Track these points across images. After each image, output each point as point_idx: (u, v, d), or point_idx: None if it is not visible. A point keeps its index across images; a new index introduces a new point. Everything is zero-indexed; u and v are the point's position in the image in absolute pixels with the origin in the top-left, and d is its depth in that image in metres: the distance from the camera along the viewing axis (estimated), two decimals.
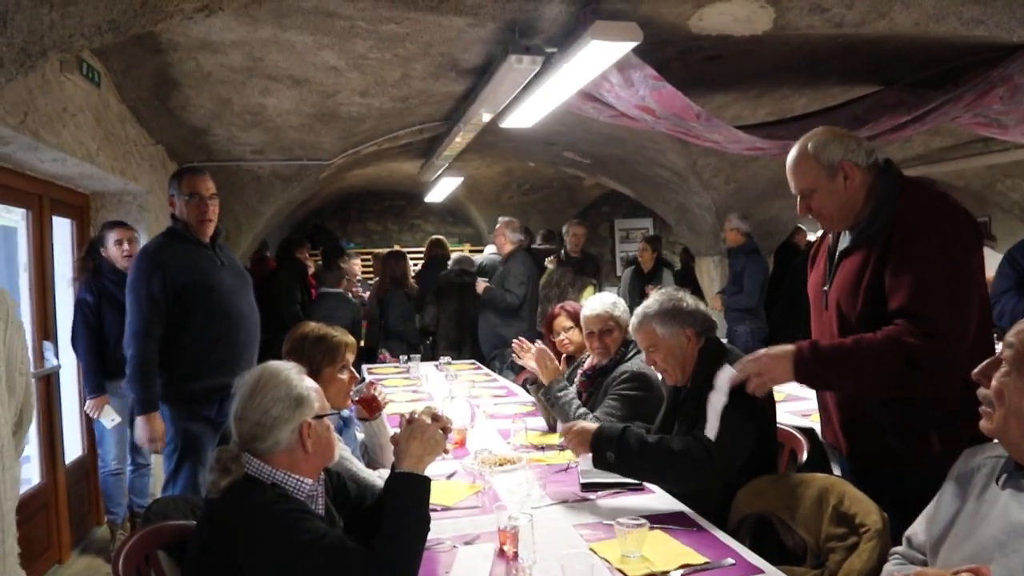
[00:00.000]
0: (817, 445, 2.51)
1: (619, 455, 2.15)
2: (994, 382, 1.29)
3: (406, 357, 5.15)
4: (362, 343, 6.08)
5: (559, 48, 3.29)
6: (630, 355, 2.99)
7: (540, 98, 3.84)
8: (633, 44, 3.02)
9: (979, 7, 3.01)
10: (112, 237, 3.85)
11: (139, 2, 2.06)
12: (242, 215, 5.57)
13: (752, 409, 2.14)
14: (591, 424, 2.29)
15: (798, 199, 2.13)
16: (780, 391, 3.31)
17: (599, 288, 6.19)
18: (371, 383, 2.83)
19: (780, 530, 1.95)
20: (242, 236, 5.60)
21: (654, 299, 2.45)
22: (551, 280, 6.25)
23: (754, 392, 2.02)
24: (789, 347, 1.97)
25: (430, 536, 1.86)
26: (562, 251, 6.50)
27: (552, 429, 3.09)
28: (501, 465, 2.51)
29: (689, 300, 2.43)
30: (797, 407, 3.32)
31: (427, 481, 1.68)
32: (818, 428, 2.46)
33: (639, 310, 2.46)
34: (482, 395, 3.96)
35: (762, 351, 2.04)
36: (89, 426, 4.08)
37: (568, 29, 3.24)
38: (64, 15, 1.76)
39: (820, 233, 2.33)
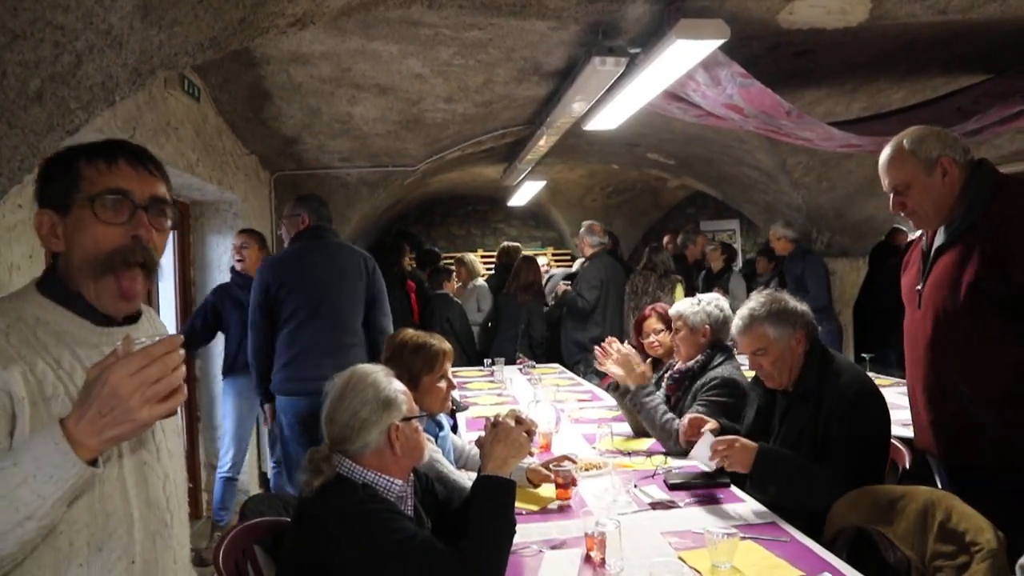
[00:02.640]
0: (920, 456, 2.38)
1: (782, 483, 2.15)
2: None
3: (490, 360, 5.18)
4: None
5: (643, 48, 3.25)
6: (719, 361, 2.92)
7: (624, 99, 3.80)
8: (720, 41, 2.95)
9: None
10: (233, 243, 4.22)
11: (237, 19, 2.15)
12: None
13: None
14: (751, 443, 2.21)
15: (891, 196, 2.11)
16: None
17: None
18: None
19: (881, 545, 1.86)
20: None
21: (759, 301, 2.37)
22: (634, 288, 6.17)
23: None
24: (753, 446, 2.15)
25: (517, 540, 1.86)
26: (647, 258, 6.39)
27: (638, 434, 3.05)
28: (587, 470, 2.49)
29: (792, 300, 2.37)
30: (896, 416, 3.14)
31: (512, 484, 1.68)
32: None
33: (744, 312, 2.38)
34: (567, 399, 3.94)
35: (735, 441, 2.17)
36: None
37: (652, 29, 3.19)
38: (171, 35, 1.85)
39: (919, 233, 2.24)
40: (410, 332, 2.45)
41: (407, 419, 1.69)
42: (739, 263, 8.22)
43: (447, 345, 2.43)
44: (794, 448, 2.23)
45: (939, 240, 2.07)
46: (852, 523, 1.92)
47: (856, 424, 2.16)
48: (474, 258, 6.87)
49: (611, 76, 3.45)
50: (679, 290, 5.87)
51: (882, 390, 2.33)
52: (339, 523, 1.52)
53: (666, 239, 6.38)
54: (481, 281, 6.60)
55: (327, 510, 1.55)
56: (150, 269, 1.15)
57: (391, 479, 1.66)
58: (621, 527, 1.78)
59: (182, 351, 0.98)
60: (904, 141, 2.07)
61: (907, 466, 2.34)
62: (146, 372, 0.93)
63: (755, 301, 2.38)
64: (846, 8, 3.14)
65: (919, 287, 2.10)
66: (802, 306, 2.37)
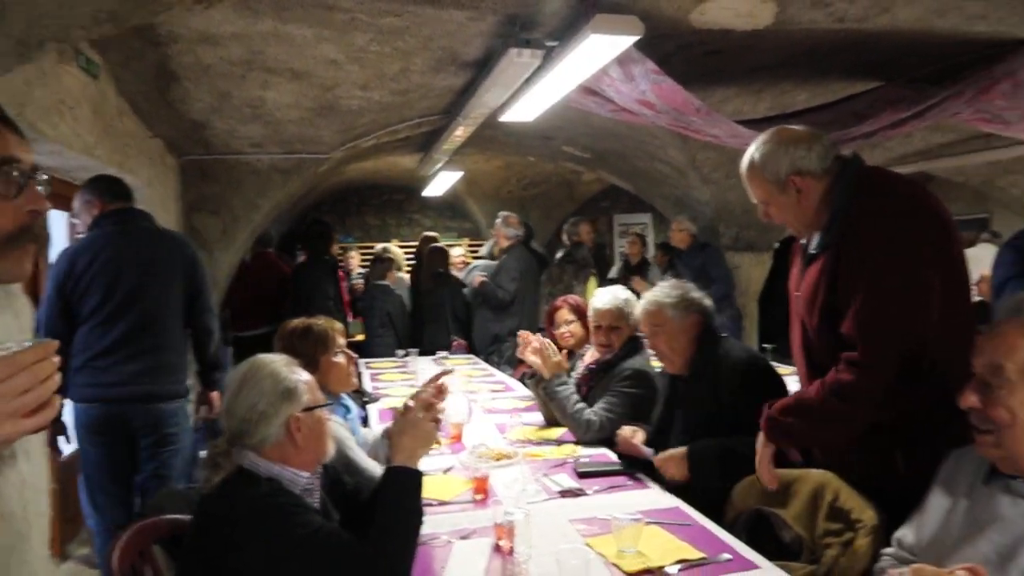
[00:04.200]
0: None
1: (716, 471, 2.19)
2: (981, 401, 1.29)
3: (404, 352, 5.14)
4: (361, 337, 6.06)
5: (560, 42, 3.28)
6: (631, 352, 2.99)
7: (541, 92, 3.82)
8: (634, 38, 3.01)
9: (982, 3, 2.99)
10: None
11: None
12: (240, 209, 5.55)
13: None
14: (677, 450, 2.30)
15: (759, 206, 2.01)
16: None
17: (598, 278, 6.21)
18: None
19: (776, 525, 1.95)
20: (239, 230, 5.58)
21: (665, 287, 2.60)
22: (551, 277, 6.25)
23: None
24: (681, 450, 2.16)
25: (426, 530, 1.86)
26: (563, 249, 6.50)
27: (550, 423, 3.09)
28: (498, 460, 2.51)
29: (696, 291, 2.58)
30: None
31: (419, 475, 1.67)
32: None
33: (650, 295, 2.59)
34: (479, 390, 3.96)
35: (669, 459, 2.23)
36: None
37: (569, 22, 3.23)
38: (61, 4, 1.75)
39: None
40: (294, 320, 2.45)
41: (308, 409, 1.65)
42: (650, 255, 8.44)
43: (335, 323, 2.47)
44: (697, 428, 2.34)
45: (813, 246, 1.94)
46: (750, 506, 2.01)
47: (752, 392, 2.24)
48: (398, 250, 6.82)
49: (528, 68, 3.46)
50: (592, 283, 5.98)
51: (783, 378, 2.46)
52: (241, 518, 1.48)
53: (584, 229, 6.47)
54: (400, 274, 6.55)
55: (228, 505, 1.51)
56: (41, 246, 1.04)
57: (296, 472, 1.61)
58: (530, 516, 1.80)
59: (56, 358, 0.87)
60: (755, 156, 1.93)
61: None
62: (12, 383, 0.82)
63: (663, 287, 2.60)
64: (753, 11, 3.25)
65: (797, 293, 1.99)
66: (699, 295, 2.57)
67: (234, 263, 5.41)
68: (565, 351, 3.38)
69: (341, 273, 6.29)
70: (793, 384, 2.26)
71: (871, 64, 4.22)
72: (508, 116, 4.45)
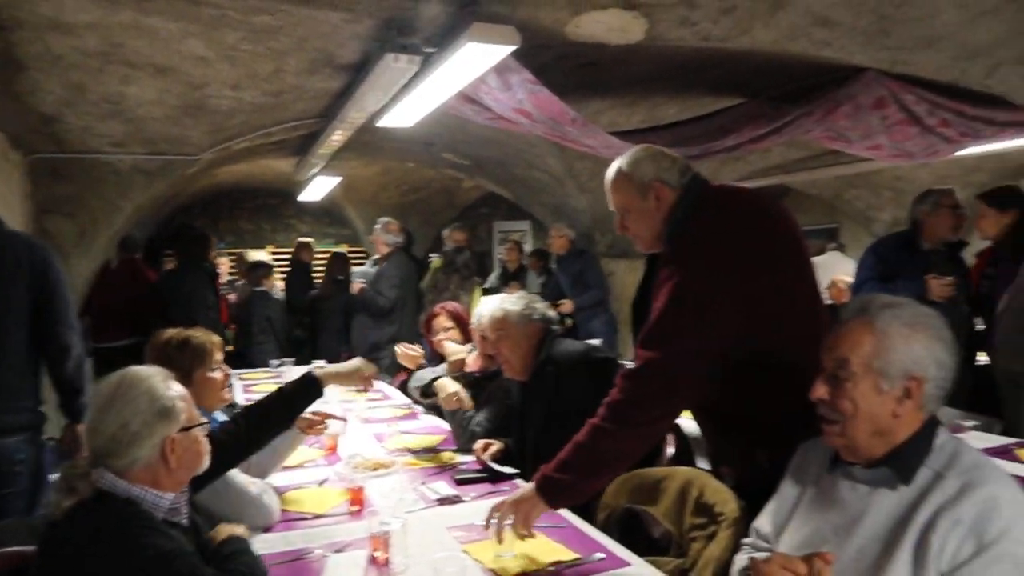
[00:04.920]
0: (683, 438, 2.62)
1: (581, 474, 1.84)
2: (829, 393, 1.39)
3: (278, 362, 4.97)
4: (230, 347, 5.82)
5: (438, 48, 3.27)
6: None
7: (418, 98, 3.81)
8: (511, 48, 3.05)
9: (827, 31, 3.24)
10: None
11: None
12: (99, 211, 5.19)
13: None
14: (522, 492, 1.86)
15: (616, 217, 2.03)
16: None
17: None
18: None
19: (646, 522, 2.02)
20: (99, 234, 5.22)
21: (512, 296, 2.73)
22: (436, 285, 6.23)
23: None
24: (529, 485, 1.83)
25: (299, 545, 1.82)
26: (442, 253, 6.50)
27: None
28: (374, 470, 2.46)
29: (540, 302, 2.74)
30: None
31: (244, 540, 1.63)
32: (683, 423, 2.57)
33: (496, 302, 2.68)
34: (356, 399, 3.88)
35: (504, 501, 1.83)
36: None
37: (447, 30, 3.23)
38: None
39: None
40: (170, 331, 2.30)
41: (186, 429, 1.53)
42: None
43: (214, 336, 2.33)
44: (546, 429, 2.41)
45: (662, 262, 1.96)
46: (622, 504, 2.07)
47: (593, 382, 2.35)
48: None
49: (405, 74, 3.44)
50: (477, 291, 6.01)
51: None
52: (92, 545, 1.35)
53: (459, 236, 6.50)
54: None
55: (77, 531, 1.38)
56: None
57: (160, 494, 1.48)
58: (407, 525, 1.78)
59: None
60: (623, 163, 1.98)
61: (672, 451, 2.56)
62: None
63: (509, 297, 2.72)
64: (625, 27, 3.37)
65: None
66: (543, 305, 2.72)
67: (93, 269, 5.06)
68: (458, 359, 3.36)
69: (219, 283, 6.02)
70: None
71: (735, 82, 4.47)
72: (386, 121, 4.40)
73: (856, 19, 3.11)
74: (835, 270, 6.00)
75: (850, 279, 4.95)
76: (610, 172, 2.01)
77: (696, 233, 1.83)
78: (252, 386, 4.39)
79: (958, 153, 5.05)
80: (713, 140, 4.28)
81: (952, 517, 1.23)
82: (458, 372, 3.14)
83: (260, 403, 2.15)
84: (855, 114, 4.14)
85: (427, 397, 3.06)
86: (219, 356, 2.30)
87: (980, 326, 3.85)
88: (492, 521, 1.77)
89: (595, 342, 4.34)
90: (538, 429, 2.53)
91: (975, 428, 2.84)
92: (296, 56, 3.73)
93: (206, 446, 1.61)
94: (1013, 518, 1.20)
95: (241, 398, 3.93)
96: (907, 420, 1.35)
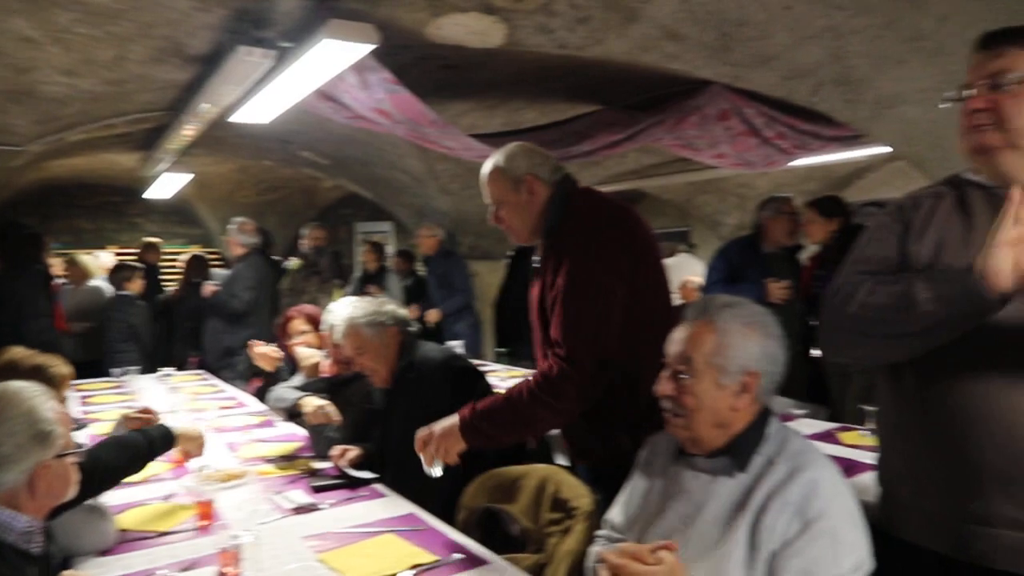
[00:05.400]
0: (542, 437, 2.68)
1: (501, 426, 1.96)
2: (674, 389, 1.47)
3: (120, 370, 4.64)
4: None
5: (294, 44, 3.17)
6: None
7: (274, 94, 3.68)
8: (370, 46, 3.01)
9: (676, 45, 3.41)
10: None
11: None
12: None
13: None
14: (447, 420, 2.01)
15: (490, 210, 2.15)
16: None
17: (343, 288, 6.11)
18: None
19: (505, 521, 2.05)
20: None
21: (355, 306, 2.60)
22: (294, 289, 6.02)
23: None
24: (454, 418, 1.96)
25: (143, 566, 1.72)
26: (301, 255, 6.30)
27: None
28: (226, 481, 2.35)
29: (388, 305, 2.64)
30: None
31: None
32: None
33: (342, 317, 2.57)
34: (208, 408, 3.69)
35: (432, 429, 1.98)
36: None
37: (303, 24, 3.14)
38: None
39: None
40: (19, 351, 2.10)
41: (61, 456, 1.39)
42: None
43: (65, 368, 2.14)
44: (408, 435, 2.42)
45: (536, 255, 2.12)
46: (481, 504, 2.09)
47: (454, 390, 2.37)
48: (88, 258, 6.14)
49: (259, 68, 3.31)
50: (337, 294, 5.87)
51: (515, 380, 2.59)
52: None
53: (318, 235, 6.32)
54: (97, 282, 5.88)
55: None
56: None
57: (15, 514, 1.35)
58: (260, 537, 1.71)
59: None
60: (498, 158, 2.10)
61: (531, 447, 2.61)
62: None
63: (353, 306, 2.60)
64: (485, 31, 3.40)
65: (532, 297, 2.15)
66: (392, 306, 2.63)
67: None
68: (311, 363, 3.26)
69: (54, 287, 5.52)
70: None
71: (591, 89, 4.62)
72: (241, 117, 4.22)
73: (702, 35, 3.30)
74: (686, 271, 6.35)
75: (700, 280, 5.25)
76: (486, 167, 2.12)
77: (581, 226, 1.97)
78: (89, 397, 4.07)
79: (792, 163, 5.49)
80: (571, 145, 4.42)
81: (782, 499, 1.33)
82: (313, 377, 3.05)
83: (123, 441, 2.00)
84: (702, 124, 4.40)
85: (295, 417, 2.95)
86: (66, 393, 2.12)
87: (814, 322, 4.19)
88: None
89: (456, 344, 4.34)
90: (401, 433, 2.50)
91: (805, 415, 3.08)
92: (141, 43, 3.50)
93: (76, 475, 1.49)
94: (831, 498, 1.32)
95: (78, 411, 3.64)
96: (744, 412, 1.45)
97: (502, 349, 5.05)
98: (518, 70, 4.21)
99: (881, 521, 1.49)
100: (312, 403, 2.72)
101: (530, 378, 1.94)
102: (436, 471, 1.98)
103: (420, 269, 6.65)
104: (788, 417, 2.95)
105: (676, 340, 1.50)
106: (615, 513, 1.65)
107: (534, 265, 2.12)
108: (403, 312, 2.65)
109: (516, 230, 2.12)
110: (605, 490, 1.88)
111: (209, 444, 2.93)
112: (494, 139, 4.55)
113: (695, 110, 4.19)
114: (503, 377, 4.28)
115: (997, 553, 1.28)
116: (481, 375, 2.58)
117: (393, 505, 2.19)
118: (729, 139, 4.58)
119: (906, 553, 1.42)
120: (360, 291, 6.11)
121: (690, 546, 1.39)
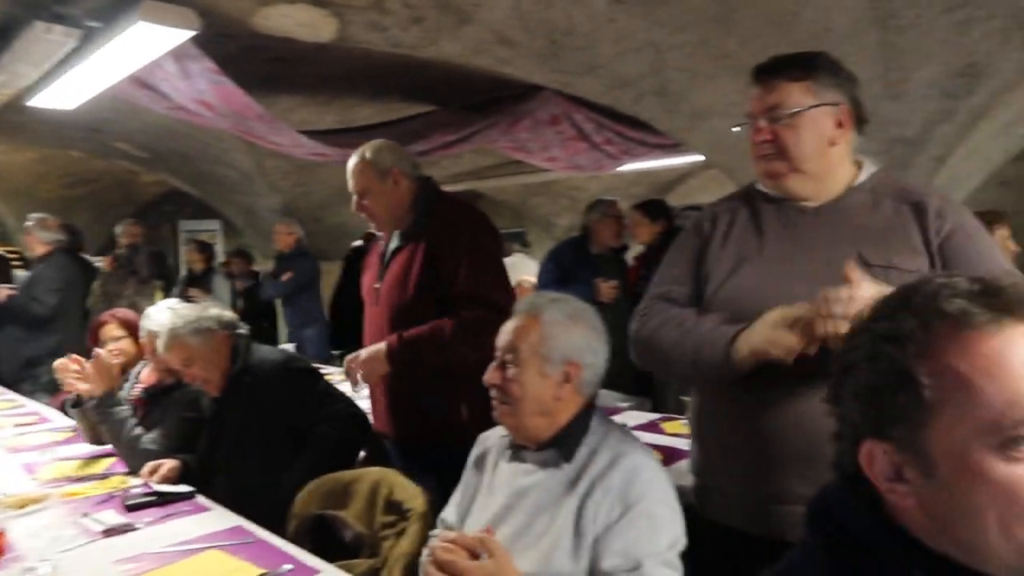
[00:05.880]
0: (376, 439, 2.64)
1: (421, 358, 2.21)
2: (501, 378, 1.51)
3: None
4: None
5: (103, 24, 2.92)
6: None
7: (81, 78, 3.37)
8: (189, 32, 2.84)
9: (508, 49, 3.49)
10: None
11: None
12: None
13: None
14: (376, 348, 2.26)
15: (355, 200, 2.36)
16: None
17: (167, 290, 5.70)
18: None
19: (338, 527, 2.01)
20: None
21: (176, 313, 2.47)
22: (107, 292, 5.53)
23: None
24: (382, 344, 2.22)
25: None
26: (115, 254, 5.81)
27: (98, 442, 2.75)
28: (22, 508, 2.12)
29: (212, 309, 2.51)
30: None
31: None
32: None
33: (163, 327, 2.43)
34: (3, 425, 3.32)
35: (361, 353, 2.27)
36: None
37: (115, 4, 2.90)
38: None
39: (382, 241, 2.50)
40: None
41: None
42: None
43: None
44: (242, 442, 2.33)
45: (394, 243, 2.37)
46: (313, 512, 2.03)
47: (293, 391, 2.38)
48: None
49: (60, 48, 3.02)
50: (158, 296, 5.47)
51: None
52: None
53: (134, 231, 5.86)
54: None
55: None
56: None
57: None
58: (63, 566, 1.56)
59: None
60: (365, 151, 2.35)
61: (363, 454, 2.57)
62: None
63: (172, 315, 2.48)
64: (315, 24, 3.31)
65: (377, 285, 2.37)
66: (215, 310, 2.52)
67: None
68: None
69: None
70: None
71: (426, 89, 4.62)
72: (41, 101, 3.83)
73: (532, 41, 3.39)
74: (521, 271, 6.49)
75: (534, 279, 5.39)
76: (353, 158, 2.36)
77: (462, 218, 2.30)
78: None
79: (620, 168, 5.78)
80: (406, 144, 4.38)
81: (604, 486, 1.40)
82: (110, 389, 2.81)
83: None
84: (535, 128, 4.53)
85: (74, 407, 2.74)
86: None
87: None
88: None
89: (289, 346, 4.19)
90: (232, 441, 2.38)
91: (630, 408, 3.26)
92: None
93: None
94: (649, 483, 1.40)
95: None
96: (567, 403, 1.50)
97: (335, 352, 4.93)
98: (351, 67, 4.13)
99: (694, 504, 1.61)
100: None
101: (453, 319, 2.15)
102: (362, 391, 2.29)
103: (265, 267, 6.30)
104: (615, 410, 3.10)
105: (505, 331, 1.56)
106: (449, 512, 1.66)
107: (391, 253, 2.35)
108: (230, 315, 2.51)
109: (380, 218, 2.35)
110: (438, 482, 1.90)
111: (3, 466, 2.65)
112: (327, 137, 4.43)
113: (528, 114, 4.31)
114: (339, 380, 4.09)
115: (792, 527, 1.42)
116: (320, 375, 2.53)
117: (218, 519, 2.07)
118: (560, 143, 4.75)
119: (715, 532, 1.54)
120: (183, 294, 5.73)
121: (519, 538, 1.43)
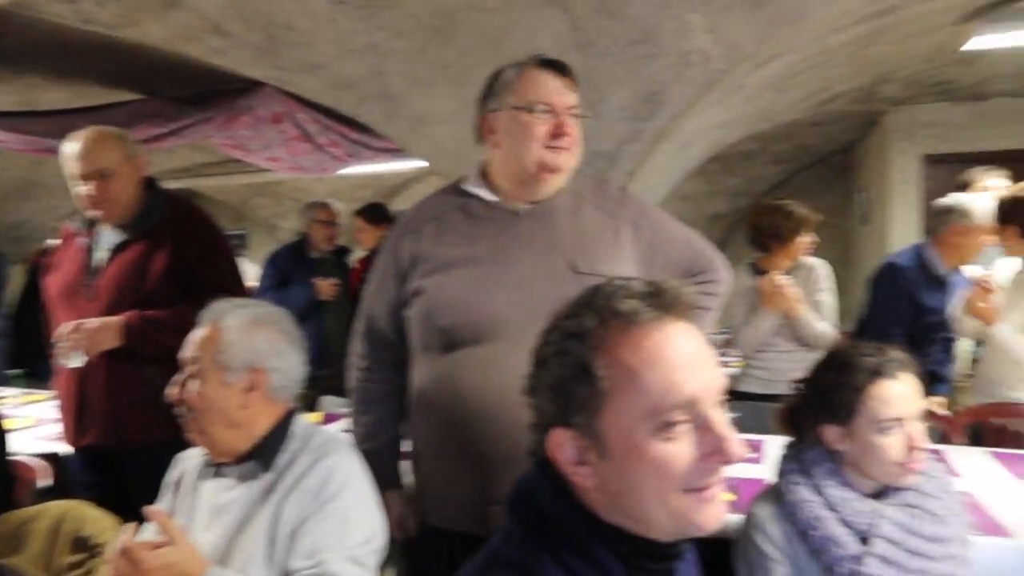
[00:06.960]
0: (64, 469, 2.34)
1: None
2: (188, 394, 1.42)
3: None
4: None
5: None
6: None
7: None
8: None
9: (221, 39, 3.28)
10: None
11: None
12: None
13: None
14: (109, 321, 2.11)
15: (87, 182, 2.14)
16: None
17: None
18: None
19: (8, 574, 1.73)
20: None
21: None
22: None
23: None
24: (116, 317, 2.10)
25: None
26: None
27: None
28: None
29: None
30: (48, 431, 2.89)
31: None
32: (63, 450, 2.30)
33: None
34: None
35: (88, 321, 2.09)
36: None
37: None
38: None
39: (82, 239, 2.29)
40: None
41: None
42: None
43: None
44: None
45: (117, 238, 2.21)
46: None
47: None
48: None
49: None
50: None
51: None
52: None
53: None
54: None
55: None
56: None
57: None
58: None
59: None
60: (108, 128, 2.23)
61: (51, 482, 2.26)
62: None
63: None
64: None
65: (87, 282, 2.19)
66: None
67: None
68: None
69: None
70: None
71: (132, 76, 4.20)
72: None
73: (248, 33, 3.22)
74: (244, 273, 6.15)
75: (254, 283, 5.13)
76: (92, 134, 2.17)
77: (187, 208, 2.32)
78: None
79: (346, 171, 5.71)
80: None
81: (302, 488, 1.37)
82: None
83: None
84: (255, 125, 4.31)
85: None
86: None
87: None
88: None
89: None
90: None
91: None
92: None
93: None
94: (345, 481, 1.39)
95: None
96: (259, 411, 1.44)
97: (15, 371, 4.26)
98: (36, 40, 3.61)
99: (419, 511, 1.63)
100: None
101: (197, 306, 1.89)
102: (75, 361, 2.06)
103: None
104: (336, 416, 3.03)
105: (188, 344, 1.47)
106: (146, 536, 1.51)
107: (117, 244, 2.20)
108: None
109: (118, 205, 2.18)
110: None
111: None
112: (7, 119, 3.85)
113: (247, 110, 4.09)
114: (17, 404, 3.46)
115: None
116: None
117: None
118: (283, 143, 4.57)
119: (437, 536, 1.58)
120: None
121: (218, 558, 1.36)
